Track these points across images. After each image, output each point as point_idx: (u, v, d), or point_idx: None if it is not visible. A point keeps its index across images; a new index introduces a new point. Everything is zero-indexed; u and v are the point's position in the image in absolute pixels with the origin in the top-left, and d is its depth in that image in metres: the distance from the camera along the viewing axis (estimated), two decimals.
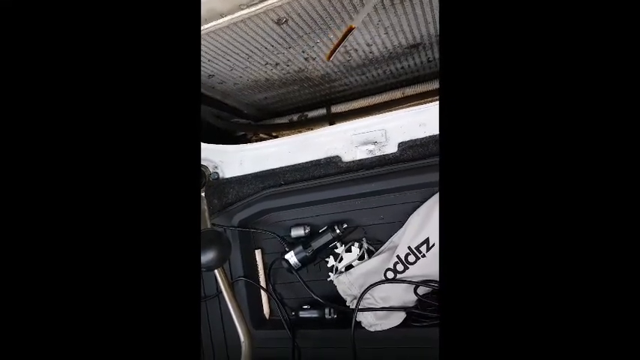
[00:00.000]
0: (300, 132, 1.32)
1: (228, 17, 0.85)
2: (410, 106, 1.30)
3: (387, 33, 1.04)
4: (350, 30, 0.85)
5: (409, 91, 1.29)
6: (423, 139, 0.96)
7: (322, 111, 1.34)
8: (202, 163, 1.15)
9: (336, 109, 1.34)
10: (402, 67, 1.28)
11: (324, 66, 1.19)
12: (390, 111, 1.18)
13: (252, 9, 0.83)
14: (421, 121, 0.96)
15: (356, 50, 1.12)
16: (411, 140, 0.97)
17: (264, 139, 1.35)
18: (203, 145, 1.14)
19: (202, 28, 0.86)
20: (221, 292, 1.01)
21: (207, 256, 0.84)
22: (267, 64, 1.12)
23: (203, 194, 1.08)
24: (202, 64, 1.04)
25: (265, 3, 0.82)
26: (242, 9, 0.83)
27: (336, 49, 0.92)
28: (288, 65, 1.15)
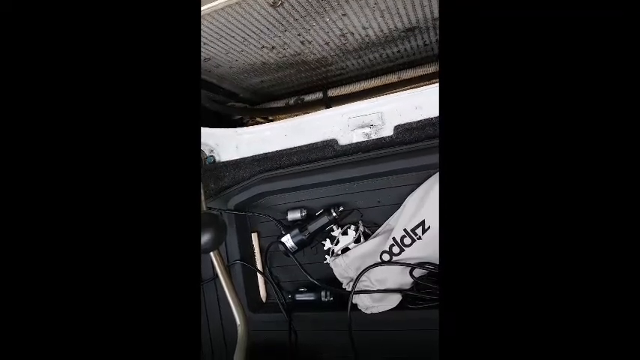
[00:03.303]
0: (297, 115, 1.32)
1: (223, 1, 0.85)
2: (406, 89, 1.30)
3: (382, 16, 1.03)
4: None
5: (405, 74, 1.29)
6: (419, 121, 0.96)
7: (319, 95, 1.34)
8: None
9: (333, 92, 1.34)
10: (399, 51, 1.27)
11: (321, 50, 1.18)
12: (387, 94, 1.18)
13: None
14: (417, 103, 0.96)
15: (352, 34, 1.12)
16: (407, 123, 0.97)
17: (261, 123, 1.34)
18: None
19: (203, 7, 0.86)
20: (217, 275, 1.01)
21: (202, 239, 0.84)
22: (263, 47, 1.11)
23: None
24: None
25: None
26: None
27: None
28: (284, 49, 1.14)
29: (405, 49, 1.26)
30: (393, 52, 1.28)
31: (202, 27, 0.94)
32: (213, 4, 0.85)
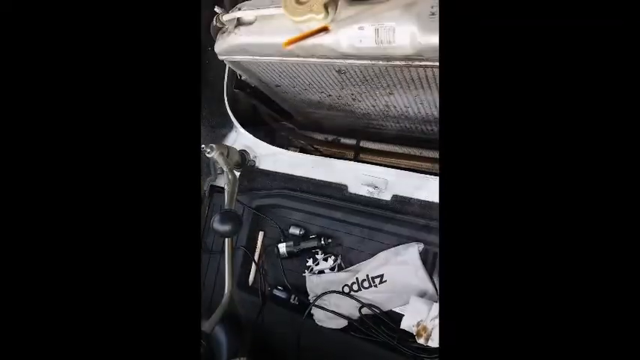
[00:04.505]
0: (329, 151, 1.57)
1: (302, 59, 1.09)
2: (421, 166, 1.52)
3: (422, 104, 1.26)
4: (323, 29, 0.86)
5: (427, 153, 1.51)
6: (412, 199, 1.18)
7: (353, 141, 1.59)
8: (246, 149, 1.43)
9: (365, 144, 1.58)
10: (432, 130, 1.49)
11: (367, 108, 1.42)
12: (402, 164, 1.41)
13: (323, 60, 1.05)
14: (417, 185, 1.19)
15: (395, 107, 1.35)
16: (403, 196, 1.20)
17: (302, 145, 1.62)
18: (250, 137, 1.42)
19: (285, 58, 1.09)
20: (224, 252, 1.28)
21: (224, 227, 1.12)
22: (322, 92, 1.36)
23: (238, 175, 1.37)
24: (274, 76, 1.30)
25: (332, 60, 1.05)
26: (314, 58, 1.07)
27: (298, 41, 0.90)
28: (338, 98, 1.39)
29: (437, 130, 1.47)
30: (426, 129, 1.50)
31: (285, 66, 1.18)
32: (295, 59, 1.09)
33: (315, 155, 1.39)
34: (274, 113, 1.51)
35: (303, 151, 1.68)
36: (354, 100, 1.36)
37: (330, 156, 1.61)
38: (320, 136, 1.66)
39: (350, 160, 1.51)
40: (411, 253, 1.14)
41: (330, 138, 1.62)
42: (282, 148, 1.42)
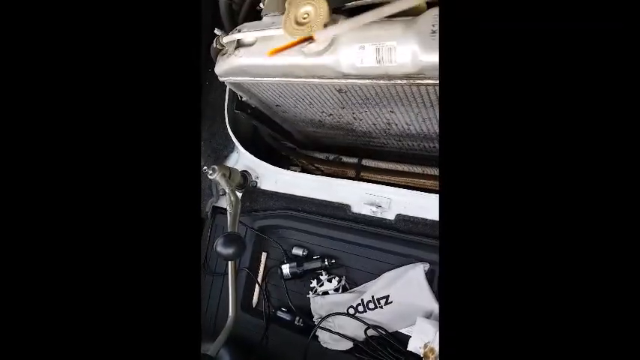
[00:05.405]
0: (330, 169, 1.57)
1: (302, 79, 1.09)
2: (424, 184, 1.51)
3: (424, 121, 1.26)
4: (307, 39, 0.83)
5: (430, 170, 1.50)
6: (417, 218, 1.17)
7: (355, 159, 1.59)
8: (248, 170, 1.43)
9: (367, 162, 1.58)
10: (434, 147, 1.49)
11: (368, 126, 1.42)
12: (404, 182, 1.40)
13: (324, 80, 1.05)
14: (422, 204, 1.18)
15: (396, 124, 1.34)
16: (408, 216, 1.19)
17: (303, 165, 1.61)
18: (251, 158, 1.42)
19: (285, 79, 1.09)
20: (227, 273, 1.28)
21: (228, 251, 1.11)
22: (323, 112, 1.36)
23: (240, 195, 1.36)
24: (275, 96, 1.30)
25: (333, 80, 1.05)
26: (314, 78, 1.08)
27: (283, 50, 0.88)
28: (339, 117, 1.39)
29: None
30: (429, 146, 1.49)
31: (284, 87, 1.18)
32: (295, 80, 1.09)
33: (317, 174, 1.38)
34: (275, 133, 1.51)
35: (304, 170, 1.67)
36: (354, 118, 1.36)
37: (332, 175, 1.62)
38: (321, 155, 1.65)
39: (352, 178, 1.50)
40: (417, 273, 1.13)
41: (332, 157, 1.62)
42: (283, 168, 1.42)
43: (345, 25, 0.80)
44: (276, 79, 1.11)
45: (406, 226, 1.19)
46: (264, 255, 1.42)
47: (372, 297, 1.17)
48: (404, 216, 1.19)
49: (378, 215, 1.22)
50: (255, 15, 1.23)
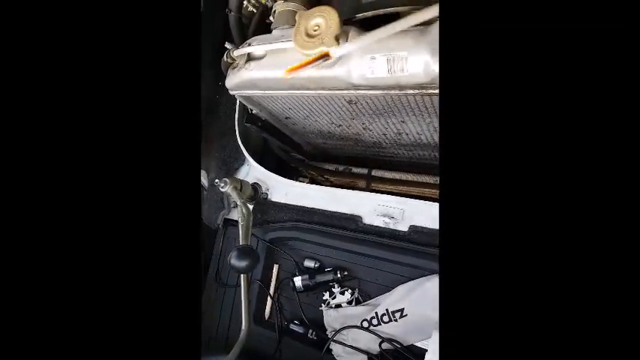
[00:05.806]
0: (340, 180, 1.56)
1: (313, 92, 1.09)
2: (430, 195, 1.50)
3: (435, 131, 1.25)
4: (324, 56, 0.82)
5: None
6: (430, 229, 1.16)
7: (364, 170, 1.58)
8: (258, 182, 1.43)
9: (376, 172, 1.57)
10: None
11: (378, 136, 1.41)
12: (416, 193, 1.39)
13: (334, 92, 1.05)
14: (435, 215, 1.16)
15: (407, 134, 1.34)
16: (421, 227, 1.17)
17: (312, 176, 1.61)
18: (262, 170, 1.41)
19: (296, 92, 1.09)
20: (239, 285, 1.27)
21: (242, 263, 1.11)
22: (332, 123, 1.36)
23: (251, 208, 1.36)
24: (284, 109, 1.30)
25: (344, 91, 1.05)
26: (324, 90, 1.07)
27: (299, 69, 0.87)
28: (348, 128, 1.39)
29: None
30: None
31: (294, 100, 1.18)
32: (306, 92, 1.09)
33: (327, 186, 1.38)
34: (284, 145, 1.51)
35: (313, 181, 1.67)
36: (364, 129, 1.36)
37: (342, 186, 1.61)
38: (331, 166, 1.65)
39: (362, 189, 1.49)
40: (432, 285, 1.11)
41: (341, 168, 1.62)
42: (293, 179, 1.41)
43: (360, 41, 0.79)
44: (287, 91, 1.11)
45: (420, 238, 1.17)
46: (275, 267, 1.41)
47: (387, 310, 1.16)
48: (417, 227, 1.18)
49: (391, 226, 1.21)
50: (264, 28, 1.24)
